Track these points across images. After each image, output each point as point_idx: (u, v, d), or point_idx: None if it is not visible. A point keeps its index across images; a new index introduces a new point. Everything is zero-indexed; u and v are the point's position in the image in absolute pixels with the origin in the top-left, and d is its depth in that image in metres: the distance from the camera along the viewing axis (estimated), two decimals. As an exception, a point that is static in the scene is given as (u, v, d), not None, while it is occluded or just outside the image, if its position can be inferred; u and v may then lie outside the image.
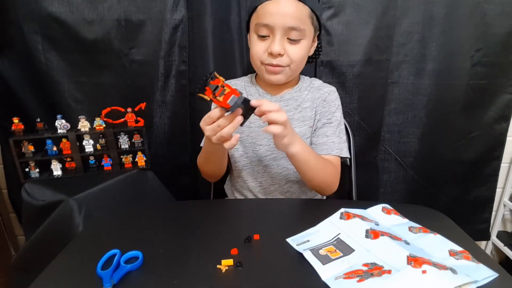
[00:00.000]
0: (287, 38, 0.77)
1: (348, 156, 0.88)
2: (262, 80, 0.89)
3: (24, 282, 0.59)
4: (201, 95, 0.61)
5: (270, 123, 0.66)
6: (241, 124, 0.64)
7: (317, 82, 0.94)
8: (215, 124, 0.64)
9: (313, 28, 0.80)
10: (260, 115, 0.65)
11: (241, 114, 0.63)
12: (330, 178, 0.83)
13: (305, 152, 0.75)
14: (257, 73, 0.93)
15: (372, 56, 1.14)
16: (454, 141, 1.25)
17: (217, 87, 0.61)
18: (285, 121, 0.66)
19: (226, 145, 0.65)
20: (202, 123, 0.67)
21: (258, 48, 0.79)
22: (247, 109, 0.64)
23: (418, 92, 1.19)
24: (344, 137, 0.89)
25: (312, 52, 0.86)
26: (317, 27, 0.82)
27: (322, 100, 0.89)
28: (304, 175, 0.80)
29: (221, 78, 0.61)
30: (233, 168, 0.94)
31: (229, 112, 0.62)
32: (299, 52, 0.79)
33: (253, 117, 0.85)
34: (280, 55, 0.77)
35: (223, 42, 1.13)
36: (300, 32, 0.77)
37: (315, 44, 0.85)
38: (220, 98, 0.61)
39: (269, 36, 0.77)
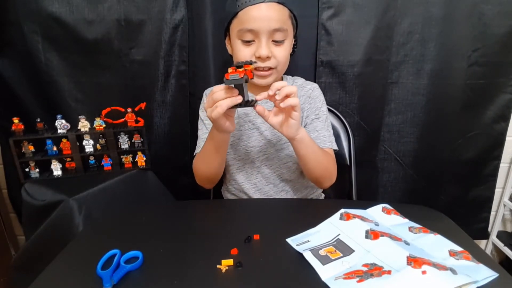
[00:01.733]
0: (272, 40, 0.78)
1: (337, 148, 0.90)
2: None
3: (24, 282, 0.59)
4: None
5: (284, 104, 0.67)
6: (235, 107, 0.66)
7: (299, 80, 0.95)
8: (211, 96, 0.66)
9: (292, 27, 0.82)
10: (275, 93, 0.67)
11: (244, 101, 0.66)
12: (331, 167, 0.84)
13: (309, 136, 0.77)
14: None
15: (372, 56, 1.14)
16: (453, 140, 1.25)
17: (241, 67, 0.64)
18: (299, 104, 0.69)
19: (214, 113, 0.66)
20: (208, 96, 0.69)
21: (244, 54, 0.79)
22: (247, 102, 0.67)
23: (417, 92, 1.19)
24: (332, 131, 0.91)
25: (290, 49, 0.87)
26: (295, 25, 0.84)
27: (307, 97, 0.90)
28: (307, 163, 0.80)
29: (251, 67, 0.65)
30: (227, 171, 0.94)
31: (224, 85, 0.65)
32: (284, 52, 0.81)
33: (242, 120, 0.85)
34: (267, 58, 0.78)
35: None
36: (283, 33, 0.78)
37: (293, 42, 0.87)
38: (229, 69, 0.63)
39: (254, 41, 0.78)
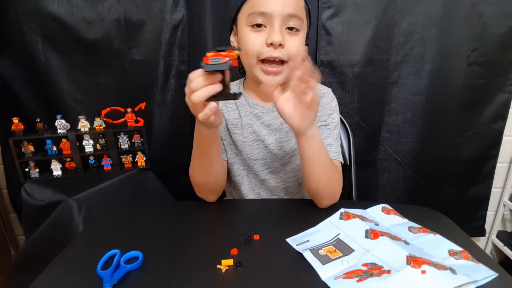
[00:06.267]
0: (286, 28, 0.70)
1: (343, 162, 0.82)
2: (252, 87, 0.83)
3: (24, 282, 0.59)
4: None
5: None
6: (216, 98, 0.55)
7: None
8: (189, 85, 0.56)
9: (307, 22, 0.75)
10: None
11: (223, 88, 0.55)
12: (335, 183, 0.73)
13: (320, 137, 0.69)
14: (244, 80, 0.87)
15: (372, 56, 1.14)
16: (452, 140, 1.26)
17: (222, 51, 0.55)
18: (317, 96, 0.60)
19: (200, 115, 0.57)
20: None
21: (254, 41, 0.69)
22: (230, 94, 0.57)
23: (417, 92, 1.19)
24: (340, 142, 0.83)
25: (304, 45, 0.78)
26: (309, 23, 0.77)
27: None
28: (310, 169, 0.70)
29: (235, 53, 0.55)
30: (233, 180, 0.88)
31: (204, 70, 0.54)
32: (298, 44, 0.72)
33: (246, 131, 0.81)
34: (280, 45, 0.69)
35: (223, 42, 1.13)
36: (299, 22, 0.70)
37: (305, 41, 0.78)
38: (208, 53, 0.53)
39: (265, 27, 0.69)
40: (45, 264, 0.55)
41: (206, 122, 0.60)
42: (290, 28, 0.70)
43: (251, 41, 0.70)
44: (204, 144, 0.70)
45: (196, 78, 0.54)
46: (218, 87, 0.54)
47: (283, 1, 0.68)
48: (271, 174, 0.85)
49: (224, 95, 0.56)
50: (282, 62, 0.71)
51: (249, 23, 0.70)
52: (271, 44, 0.68)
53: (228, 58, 0.53)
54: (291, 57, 0.70)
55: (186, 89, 0.57)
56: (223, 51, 0.54)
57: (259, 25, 0.69)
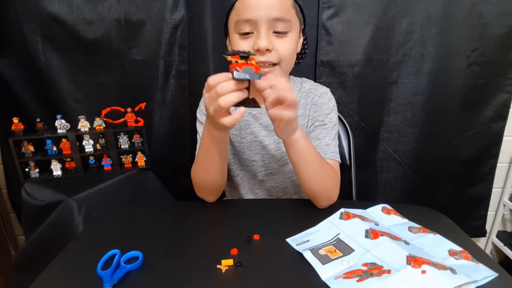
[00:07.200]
0: (273, 32, 0.70)
1: (340, 161, 0.81)
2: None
3: (24, 282, 0.59)
4: (226, 56, 0.55)
5: (277, 102, 0.58)
6: (239, 105, 0.56)
7: (307, 84, 0.86)
8: (214, 89, 0.55)
9: (298, 20, 0.74)
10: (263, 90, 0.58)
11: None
12: (330, 183, 0.73)
13: (306, 140, 0.68)
14: None
15: (372, 56, 1.14)
16: (452, 139, 1.26)
17: (246, 59, 0.55)
18: (296, 103, 0.60)
19: (226, 120, 0.56)
20: (204, 90, 0.58)
21: (243, 48, 0.67)
22: (253, 101, 0.58)
23: (416, 92, 1.19)
24: (337, 142, 0.82)
25: (299, 49, 0.78)
26: (301, 19, 0.76)
27: (313, 104, 0.83)
28: (300, 172, 0.71)
29: (254, 60, 0.55)
30: (232, 181, 0.89)
31: (233, 76, 0.54)
32: (288, 46, 0.71)
33: (244, 132, 0.82)
34: (268, 50, 0.69)
35: (223, 42, 1.14)
36: (286, 24, 0.70)
37: (301, 40, 0.78)
38: (240, 61, 0.54)
39: (252, 33, 0.70)
40: (45, 264, 0.55)
41: (220, 125, 0.59)
42: (278, 31, 0.70)
43: (239, 48, 0.70)
44: (214, 146, 0.69)
45: (224, 82, 0.54)
46: (246, 94, 0.55)
47: (267, 6, 0.68)
48: (269, 175, 0.85)
49: (246, 103, 0.57)
50: (273, 63, 0.72)
51: (237, 31, 0.71)
52: (258, 50, 0.69)
53: (260, 69, 0.54)
54: (282, 58, 0.71)
55: (211, 93, 0.56)
56: (247, 57, 0.54)
57: (246, 33, 0.70)
